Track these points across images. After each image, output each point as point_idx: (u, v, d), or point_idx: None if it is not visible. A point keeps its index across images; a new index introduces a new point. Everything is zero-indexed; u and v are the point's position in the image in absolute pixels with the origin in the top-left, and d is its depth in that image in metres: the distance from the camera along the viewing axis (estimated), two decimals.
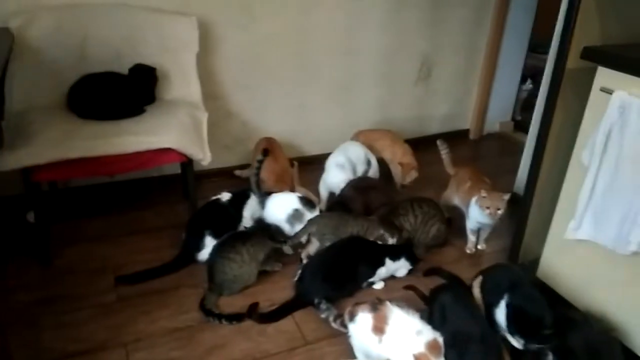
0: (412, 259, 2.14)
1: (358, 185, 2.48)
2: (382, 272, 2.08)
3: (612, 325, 1.71)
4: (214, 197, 2.26)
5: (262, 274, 2.07)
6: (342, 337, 1.77)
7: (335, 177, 2.55)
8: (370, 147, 2.87)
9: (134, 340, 1.75)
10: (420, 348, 1.56)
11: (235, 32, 2.67)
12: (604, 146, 1.60)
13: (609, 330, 1.69)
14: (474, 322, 1.61)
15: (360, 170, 2.71)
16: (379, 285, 2.10)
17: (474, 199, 2.24)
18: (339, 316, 1.83)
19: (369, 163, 2.76)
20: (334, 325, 1.84)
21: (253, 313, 1.89)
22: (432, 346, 1.56)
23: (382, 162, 2.87)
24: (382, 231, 2.19)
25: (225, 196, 2.26)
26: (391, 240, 2.20)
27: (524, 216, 2.07)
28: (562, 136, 1.87)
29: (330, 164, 2.61)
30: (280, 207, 2.25)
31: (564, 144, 1.84)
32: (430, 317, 1.70)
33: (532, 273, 2.02)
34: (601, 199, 1.64)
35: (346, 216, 2.22)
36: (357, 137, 2.97)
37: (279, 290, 2.02)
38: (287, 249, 2.23)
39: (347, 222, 2.17)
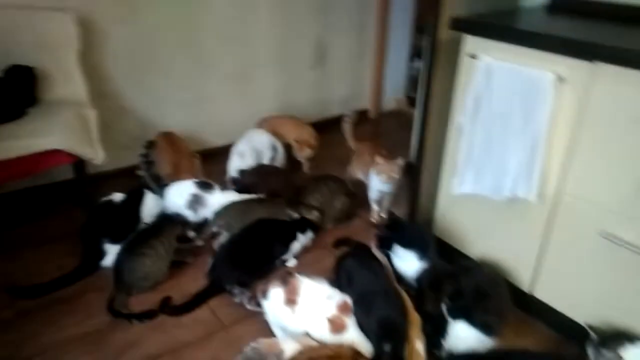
0: (314, 228, 2.24)
1: (258, 172, 2.53)
2: (295, 246, 2.14)
3: (500, 267, 1.90)
4: (105, 199, 2.19)
5: (173, 269, 2.05)
6: (259, 317, 1.81)
7: (234, 165, 2.61)
8: (275, 133, 2.93)
9: (39, 352, 1.67)
10: (333, 311, 1.64)
11: (117, 26, 2.57)
12: (475, 108, 1.76)
13: (497, 272, 1.87)
14: (377, 280, 1.72)
15: (267, 157, 2.76)
16: (292, 263, 2.15)
17: (373, 171, 2.37)
18: (253, 297, 1.86)
19: (275, 149, 2.83)
20: (249, 306, 1.87)
21: (166, 307, 1.87)
22: (343, 307, 1.65)
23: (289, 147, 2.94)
24: (289, 212, 2.25)
25: (117, 197, 2.20)
26: (295, 217, 2.27)
27: (417, 180, 2.22)
28: (442, 103, 2.02)
29: (232, 153, 2.66)
30: (178, 195, 2.27)
31: (444, 111, 2.00)
32: (339, 283, 1.79)
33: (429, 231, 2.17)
34: (478, 156, 1.81)
35: (251, 202, 2.25)
36: (262, 124, 3.01)
37: (191, 282, 2.00)
38: (198, 241, 2.21)
39: (253, 208, 2.21)
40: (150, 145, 2.33)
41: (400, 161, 2.28)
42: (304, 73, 3.45)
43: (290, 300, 1.68)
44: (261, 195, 2.39)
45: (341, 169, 2.71)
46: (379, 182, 2.31)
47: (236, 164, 2.61)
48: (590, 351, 1.51)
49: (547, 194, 1.67)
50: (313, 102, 3.59)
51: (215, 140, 3.11)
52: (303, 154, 2.98)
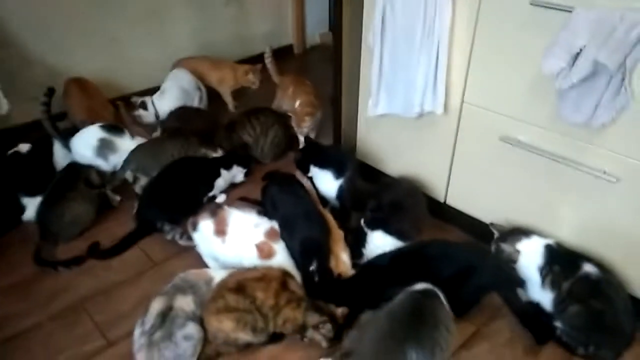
0: (244, 163, 2.24)
1: (181, 114, 2.49)
2: (220, 183, 2.15)
3: (418, 181, 2.01)
4: (11, 151, 2.08)
5: (100, 215, 2.03)
6: (191, 251, 1.85)
7: (164, 106, 2.59)
8: (194, 74, 2.86)
9: None
10: (260, 237, 1.70)
11: None
12: (381, 26, 1.79)
13: (414, 185, 1.99)
14: (299, 204, 1.78)
15: (195, 98, 2.73)
16: (221, 198, 2.18)
17: (297, 102, 2.39)
18: (185, 232, 1.88)
19: (200, 90, 2.80)
20: (181, 242, 1.90)
21: (94, 252, 1.86)
22: (270, 233, 1.72)
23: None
24: (203, 150, 2.24)
25: (23, 147, 2.10)
26: (214, 155, 2.27)
27: (338, 108, 2.27)
28: (354, 27, 2.03)
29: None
30: (84, 143, 2.15)
31: (356, 35, 2.01)
32: (266, 211, 1.84)
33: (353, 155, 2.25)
34: (389, 74, 1.86)
35: (161, 141, 2.22)
36: (178, 66, 2.91)
37: (120, 226, 2.00)
38: (111, 196, 2.14)
39: (164, 147, 2.17)
40: (51, 92, 2.16)
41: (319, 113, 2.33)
42: (219, 10, 3.32)
43: (220, 231, 1.72)
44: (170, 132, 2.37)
45: (269, 105, 2.69)
46: None
47: (156, 102, 2.57)
48: (493, 247, 1.67)
49: (452, 105, 1.77)
50: (233, 40, 3.49)
51: (132, 85, 2.99)
52: (225, 91, 2.94)
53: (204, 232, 1.73)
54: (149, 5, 2.95)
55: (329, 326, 1.45)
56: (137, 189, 2.14)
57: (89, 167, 2.07)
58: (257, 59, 3.38)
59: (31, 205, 1.97)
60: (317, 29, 4.01)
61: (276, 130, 2.43)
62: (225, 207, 1.77)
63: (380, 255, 1.64)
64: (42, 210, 1.90)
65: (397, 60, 1.82)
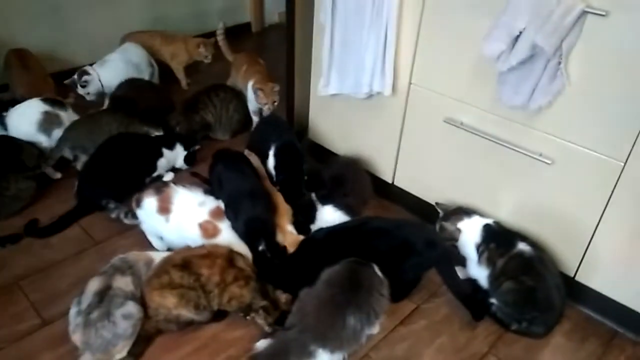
0: (185, 144, 2.17)
1: (132, 86, 2.41)
2: (162, 163, 2.10)
3: (367, 162, 2.02)
4: None
5: (40, 192, 1.96)
6: (135, 230, 1.80)
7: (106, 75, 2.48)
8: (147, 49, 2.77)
9: None
10: (204, 216, 1.67)
11: None
12: (332, 4, 1.77)
13: (357, 162, 2.01)
14: (244, 181, 1.76)
15: (146, 74, 2.65)
16: (168, 176, 2.13)
17: (250, 83, 2.35)
18: (129, 211, 1.83)
19: (152, 65, 2.71)
20: (126, 221, 1.85)
21: (32, 230, 1.80)
22: (215, 213, 1.69)
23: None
24: (145, 128, 2.18)
25: None
26: (155, 133, 2.21)
27: (290, 88, 2.25)
28: (307, 6, 1.99)
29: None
30: (24, 117, 2.05)
31: (309, 13, 1.98)
32: (212, 189, 1.82)
33: (305, 136, 2.24)
34: (339, 54, 1.85)
35: (98, 117, 2.14)
36: (126, 40, 2.81)
37: (60, 204, 1.93)
38: (51, 173, 2.06)
39: (100, 122, 2.09)
40: None
41: (277, 87, 2.26)
42: None
43: (164, 209, 1.68)
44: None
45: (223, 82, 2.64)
46: (255, 100, 2.30)
47: (98, 70, 2.47)
48: (437, 226, 1.70)
49: (400, 86, 1.77)
50: (187, 16, 3.39)
51: (79, 59, 2.85)
52: (177, 67, 2.86)
53: (147, 209, 1.70)
54: None
55: (268, 316, 1.46)
56: (78, 166, 2.06)
57: (23, 144, 1.97)
58: (212, 35, 3.31)
59: None
60: (276, 7, 3.94)
61: (236, 106, 2.41)
62: (171, 185, 1.73)
63: (318, 230, 1.66)
64: None
65: (347, 39, 1.81)
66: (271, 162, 1.98)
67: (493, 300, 1.54)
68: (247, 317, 1.49)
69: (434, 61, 1.66)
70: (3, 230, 1.79)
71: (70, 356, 1.38)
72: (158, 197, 1.69)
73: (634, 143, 1.32)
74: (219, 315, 1.52)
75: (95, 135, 2.02)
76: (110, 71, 2.52)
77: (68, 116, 2.13)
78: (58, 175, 2.07)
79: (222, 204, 1.72)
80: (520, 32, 1.34)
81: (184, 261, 1.47)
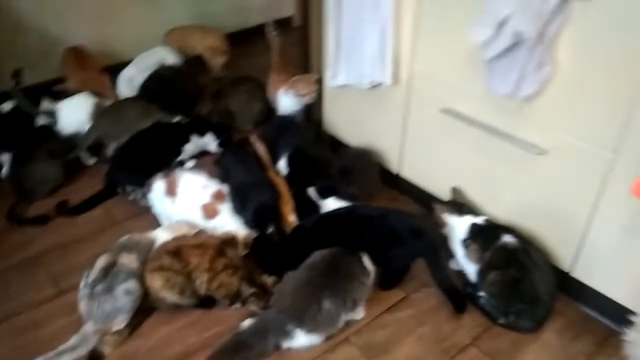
0: (219, 132, 2.29)
1: (163, 74, 2.55)
2: (189, 148, 2.22)
3: (375, 152, 2.03)
4: None
5: (74, 175, 2.16)
6: (150, 212, 1.93)
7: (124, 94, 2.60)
8: (184, 44, 2.94)
9: None
10: (207, 199, 1.77)
11: None
12: None
13: (365, 151, 2.03)
14: (250, 174, 1.84)
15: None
16: (190, 164, 2.25)
17: (280, 90, 2.33)
18: (145, 193, 1.97)
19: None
20: (143, 202, 1.99)
21: (61, 210, 1.98)
22: (217, 195, 1.79)
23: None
24: (162, 114, 2.29)
25: (5, 107, 2.22)
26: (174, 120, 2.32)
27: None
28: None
29: (120, 79, 2.66)
30: (77, 109, 2.25)
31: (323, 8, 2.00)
32: (220, 179, 1.91)
33: (320, 128, 2.28)
34: (346, 45, 1.87)
35: (121, 105, 2.29)
36: (168, 36, 2.98)
37: (91, 188, 2.09)
38: (85, 158, 2.24)
39: (126, 111, 2.24)
40: (17, 74, 2.18)
41: (315, 76, 2.25)
42: None
43: (170, 191, 1.81)
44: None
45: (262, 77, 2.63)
46: (292, 102, 2.29)
47: (125, 92, 2.61)
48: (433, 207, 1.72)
49: (402, 76, 1.77)
50: (230, 11, 3.50)
51: (126, 53, 3.05)
52: (217, 61, 2.98)
53: (156, 192, 1.83)
54: None
55: (258, 301, 1.53)
56: (109, 152, 2.23)
57: (53, 137, 2.18)
58: (254, 31, 3.44)
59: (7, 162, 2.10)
60: None
61: (258, 97, 2.48)
62: (178, 169, 1.85)
63: (309, 217, 1.70)
64: (12, 170, 2.02)
65: (352, 31, 1.83)
66: (283, 167, 2.03)
67: (481, 293, 1.52)
68: (232, 306, 1.56)
69: (432, 51, 1.65)
70: (38, 210, 1.99)
71: (80, 322, 1.51)
72: (166, 180, 1.82)
73: (624, 134, 1.25)
74: (207, 302, 1.59)
75: (120, 122, 2.19)
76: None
77: None
78: (92, 161, 2.25)
79: (224, 188, 1.81)
80: (506, 18, 1.31)
81: (177, 249, 1.56)
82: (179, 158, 2.22)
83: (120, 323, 1.50)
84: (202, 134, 2.27)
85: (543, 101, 1.39)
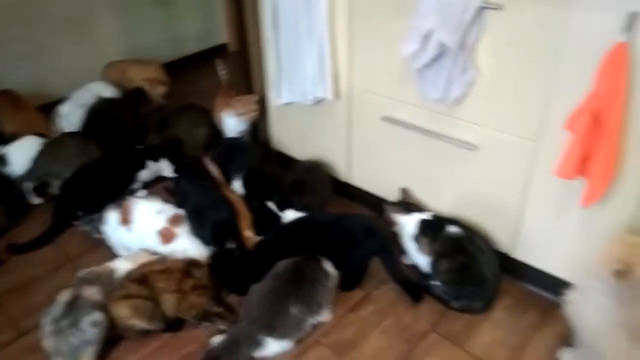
0: (173, 157, 2.32)
1: (101, 109, 2.56)
2: (144, 174, 2.23)
3: (325, 164, 2.14)
4: None
5: (21, 216, 2.13)
6: (105, 244, 1.93)
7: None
8: (123, 78, 2.95)
9: None
10: (163, 224, 1.80)
11: None
12: (274, 19, 1.90)
13: (316, 162, 2.14)
14: (205, 194, 1.89)
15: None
16: (141, 193, 2.25)
17: (223, 113, 2.43)
18: (97, 226, 1.96)
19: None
20: (95, 235, 1.98)
21: (13, 250, 1.94)
22: (173, 219, 1.82)
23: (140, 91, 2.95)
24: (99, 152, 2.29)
25: None
26: None
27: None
28: (257, 24, 2.13)
29: (57, 114, 2.66)
30: (25, 152, 2.23)
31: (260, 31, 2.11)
32: (178, 203, 1.94)
33: (268, 146, 2.36)
34: (286, 65, 1.98)
35: (58, 143, 2.30)
36: (106, 71, 2.98)
37: (39, 227, 2.04)
38: (32, 198, 2.19)
39: (59, 149, 2.25)
40: None
41: (255, 97, 2.35)
42: (146, 11, 3.38)
43: (125, 220, 1.82)
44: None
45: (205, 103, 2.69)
46: (236, 123, 2.39)
47: (64, 128, 2.60)
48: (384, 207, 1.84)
49: (342, 90, 1.89)
50: (164, 41, 3.54)
51: (62, 90, 3.01)
52: (157, 92, 3.01)
53: (110, 223, 1.83)
54: (76, 13, 2.98)
55: (228, 318, 1.58)
56: (54, 190, 2.18)
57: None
58: (190, 59, 3.49)
59: None
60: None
61: (204, 122, 2.54)
62: (131, 198, 1.86)
63: (270, 231, 1.77)
64: None
65: (291, 51, 1.94)
66: (238, 188, 2.09)
67: (434, 282, 1.64)
68: (200, 326, 1.60)
69: (368, 65, 1.78)
70: None
71: None
72: (119, 210, 1.83)
73: (541, 123, 1.42)
74: (175, 325, 1.61)
75: (59, 159, 2.19)
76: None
77: None
78: (38, 201, 2.21)
79: (180, 212, 1.85)
80: (430, 32, 1.46)
81: (142, 276, 1.58)
82: (134, 185, 2.21)
83: (89, 356, 1.49)
84: (156, 159, 2.29)
85: (470, 102, 1.54)
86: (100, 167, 2.14)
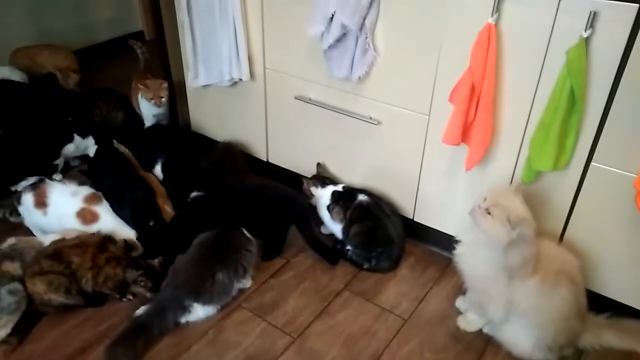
0: (98, 139, 2.27)
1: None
2: (70, 149, 2.19)
3: (244, 145, 2.23)
4: None
5: None
6: (23, 227, 1.90)
7: None
8: (32, 65, 2.84)
9: None
10: (80, 204, 1.80)
11: None
12: (187, 4, 1.96)
13: (230, 145, 2.22)
14: (121, 175, 1.92)
15: None
16: (57, 177, 2.21)
17: (139, 96, 2.42)
18: (14, 209, 1.92)
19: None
20: (11, 219, 1.94)
21: None
22: (90, 198, 1.83)
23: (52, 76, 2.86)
24: None
25: None
26: None
27: (169, 86, 2.40)
28: (171, 8, 2.16)
29: None
30: None
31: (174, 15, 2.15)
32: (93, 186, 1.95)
33: (188, 129, 2.41)
34: (202, 48, 2.05)
35: None
36: (15, 56, 2.86)
37: None
38: None
39: None
40: None
41: (165, 83, 2.35)
42: None
43: (40, 203, 1.80)
44: None
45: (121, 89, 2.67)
46: (149, 107, 2.37)
47: None
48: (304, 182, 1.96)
49: (257, 72, 1.99)
50: (75, 28, 3.44)
51: None
52: (70, 81, 2.93)
53: (26, 205, 1.81)
54: None
55: (147, 281, 1.61)
56: None
57: None
58: (103, 47, 3.41)
59: None
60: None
61: (120, 107, 2.52)
62: (47, 180, 1.85)
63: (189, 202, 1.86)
64: None
65: (206, 34, 2.00)
66: (159, 173, 2.13)
67: (348, 247, 1.79)
68: (124, 299, 1.64)
69: (279, 46, 1.89)
70: None
71: None
72: (34, 193, 1.82)
73: (432, 98, 1.60)
74: (97, 300, 1.64)
75: None
76: None
77: None
78: None
79: (96, 192, 1.86)
80: (333, 14, 1.60)
81: (55, 251, 1.59)
82: (57, 160, 2.17)
83: (5, 325, 1.49)
84: (84, 135, 2.24)
85: (372, 81, 1.70)
86: (22, 137, 2.06)
